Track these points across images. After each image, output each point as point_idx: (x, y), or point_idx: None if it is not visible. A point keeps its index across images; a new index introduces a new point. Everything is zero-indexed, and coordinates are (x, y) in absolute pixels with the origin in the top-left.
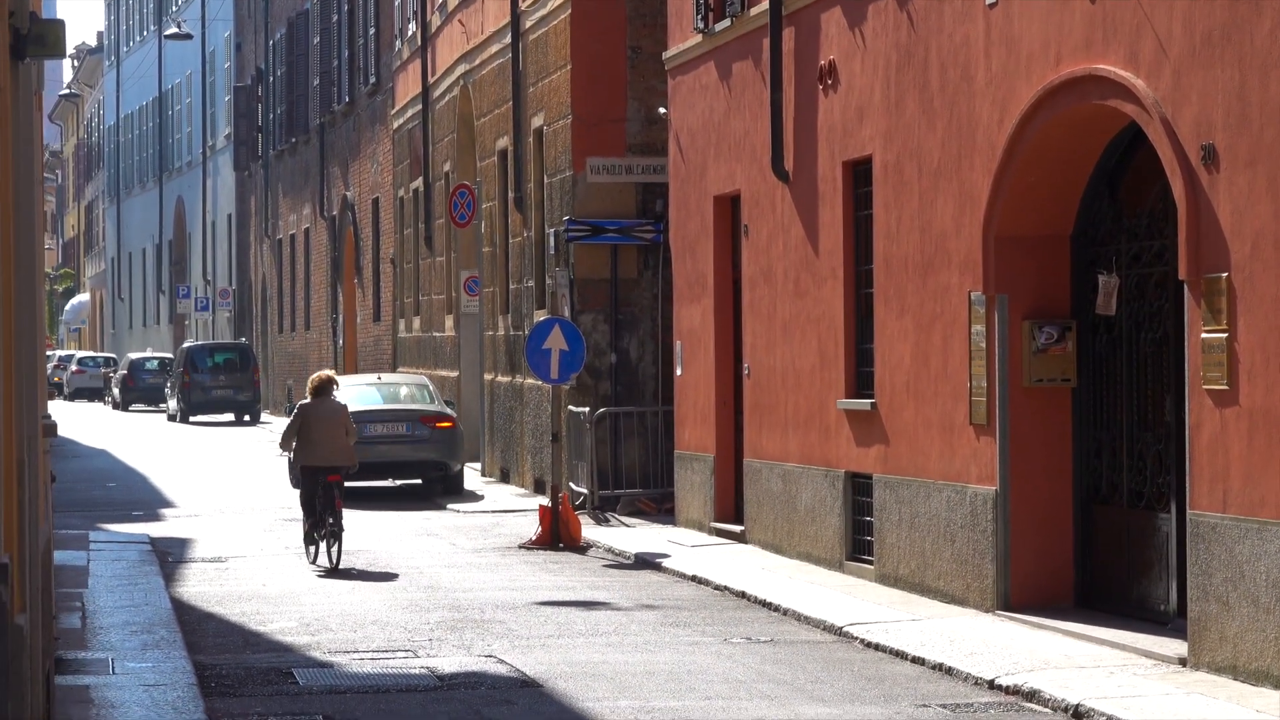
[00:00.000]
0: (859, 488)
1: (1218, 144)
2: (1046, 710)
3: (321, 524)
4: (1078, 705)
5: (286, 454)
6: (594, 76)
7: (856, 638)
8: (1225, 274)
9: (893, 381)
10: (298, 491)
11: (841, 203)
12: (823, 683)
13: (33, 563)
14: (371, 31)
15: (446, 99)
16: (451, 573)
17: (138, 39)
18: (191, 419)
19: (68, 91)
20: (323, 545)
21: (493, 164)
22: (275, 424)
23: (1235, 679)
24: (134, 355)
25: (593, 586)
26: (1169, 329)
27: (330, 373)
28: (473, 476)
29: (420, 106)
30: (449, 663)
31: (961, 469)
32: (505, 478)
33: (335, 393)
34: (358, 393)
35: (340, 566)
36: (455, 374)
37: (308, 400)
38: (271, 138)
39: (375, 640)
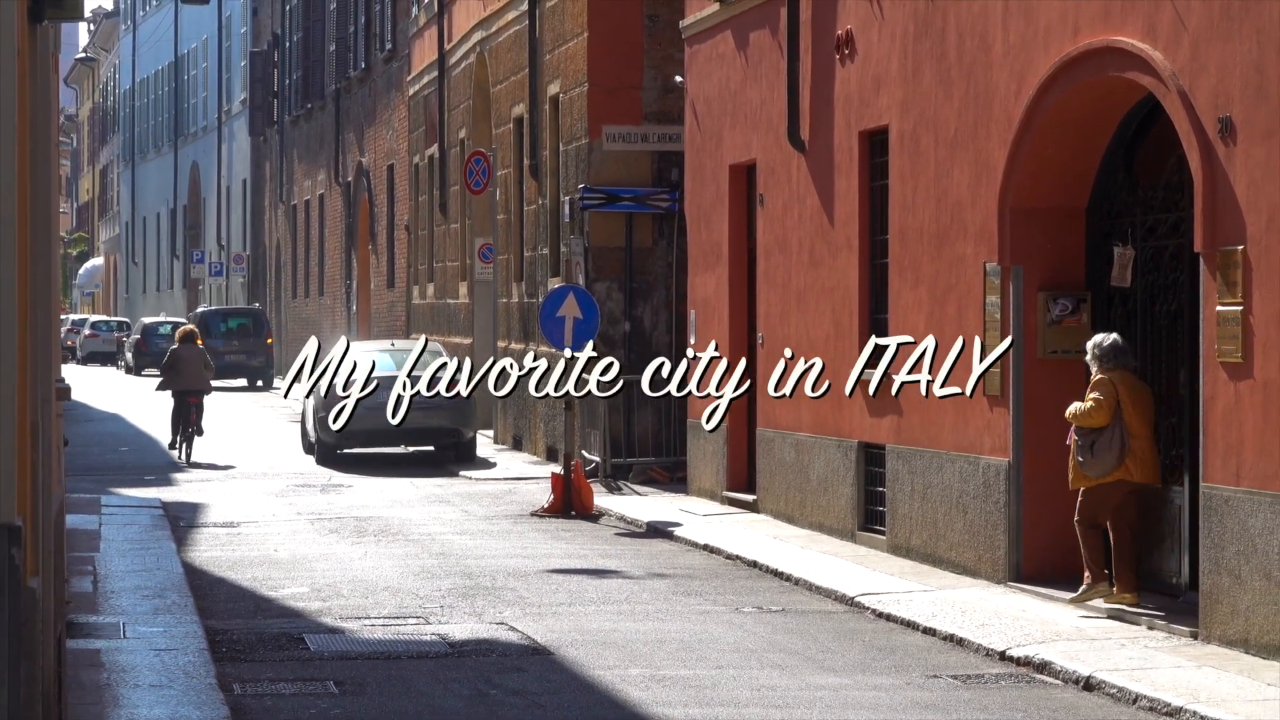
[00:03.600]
0: (872, 458)
1: (1235, 117)
2: (1057, 682)
3: (183, 430)
4: (1089, 677)
5: (165, 390)
6: (611, 44)
7: (868, 608)
8: (1241, 247)
9: (902, 352)
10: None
11: (857, 173)
12: (834, 653)
13: (45, 526)
14: None
15: (463, 66)
16: (463, 539)
17: (154, 3)
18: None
19: (84, 55)
20: (183, 447)
21: (508, 131)
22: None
23: (1246, 652)
24: (147, 320)
25: (604, 555)
26: (1184, 301)
27: (193, 326)
28: (485, 444)
29: (436, 73)
30: (460, 630)
31: (975, 440)
32: (518, 445)
33: (197, 342)
34: (371, 359)
35: (191, 461)
36: (469, 341)
37: (176, 345)
38: (287, 103)
39: (386, 607)
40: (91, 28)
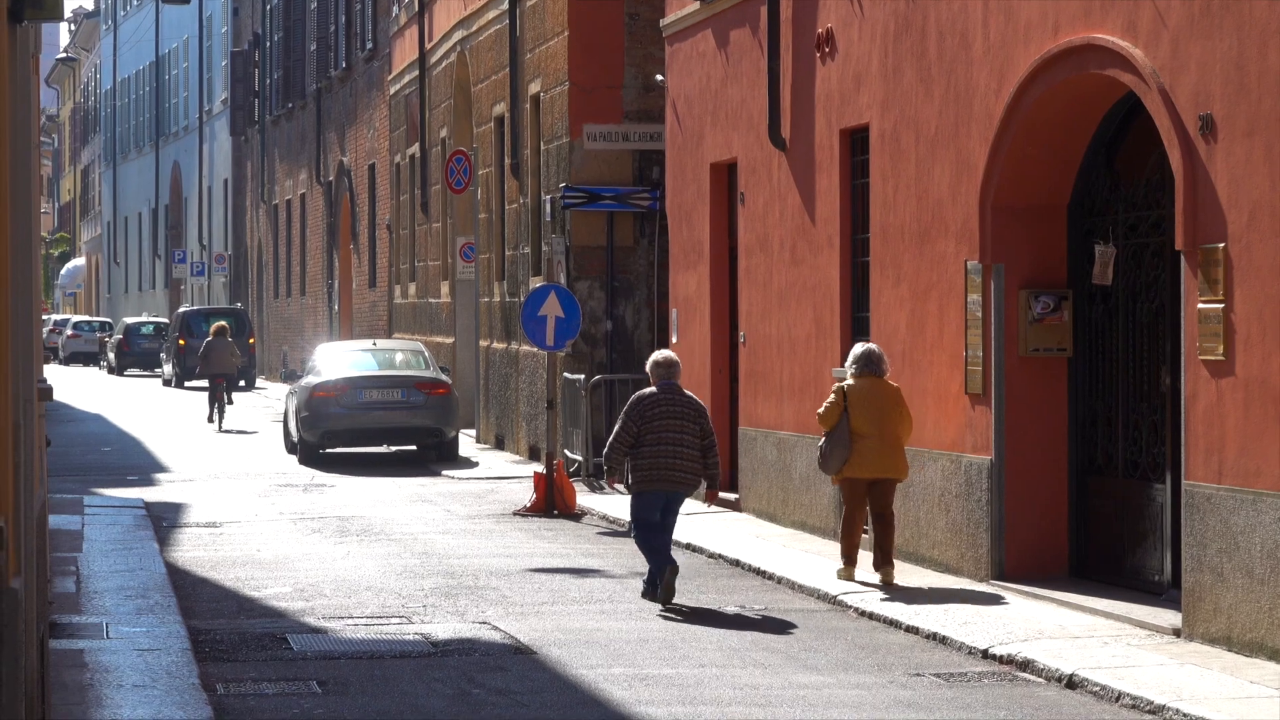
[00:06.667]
0: None
1: (1216, 114)
2: (1040, 680)
3: (217, 406)
4: (1071, 675)
5: (202, 379)
6: (591, 43)
7: (850, 606)
8: (1222, 244)
9: (888, 350)
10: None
11: (838, 171)
12: (816, 651)
13: (28, 527)
14: None
15: (444, 65)
16: (446, 539)
17: (135, 3)
18: (187, 384)
19: (64, 55)
20: (217, 418)
21: (489, 130)
22: (270, 390)
23: (1229, 650)
24: (129, 320)
25: (586, 554)
26: (1165, 299)
27: (224, 323)
28: (467, 443)
29: (417, 72)
30: (443, 629)
31: (957, 438)
32: (500, 444)
33: (227, 336)
34: (353, 359)
35: (222, 429)
36: (451, 340)
37: (210, 338)
38: (268, 103)
39: (369, 606)
40: (72, 28)
